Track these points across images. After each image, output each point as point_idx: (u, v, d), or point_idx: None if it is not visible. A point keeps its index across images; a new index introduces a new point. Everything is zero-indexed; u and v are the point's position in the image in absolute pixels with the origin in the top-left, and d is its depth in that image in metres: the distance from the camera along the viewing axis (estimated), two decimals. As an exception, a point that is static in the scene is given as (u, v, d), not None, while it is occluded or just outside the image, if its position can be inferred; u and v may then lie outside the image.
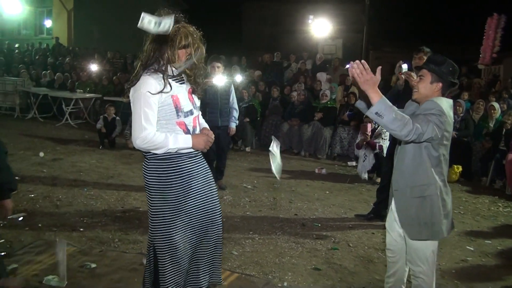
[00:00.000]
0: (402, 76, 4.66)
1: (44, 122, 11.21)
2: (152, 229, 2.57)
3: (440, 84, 2.75)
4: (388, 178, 5.07)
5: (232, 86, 6.16)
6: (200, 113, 2.82)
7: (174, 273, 2.56)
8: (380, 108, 2.48)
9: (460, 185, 7.09)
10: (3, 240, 4.06)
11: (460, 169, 7.22)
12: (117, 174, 6.68)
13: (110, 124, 8.56)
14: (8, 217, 4.44)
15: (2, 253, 3.72)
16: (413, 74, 4.58)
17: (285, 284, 3.50)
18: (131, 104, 2.53)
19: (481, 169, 7.35)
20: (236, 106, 6.07)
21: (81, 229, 4.44)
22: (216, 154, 6.01)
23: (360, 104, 2.89)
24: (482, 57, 11.91)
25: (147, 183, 2.59)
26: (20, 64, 14.11)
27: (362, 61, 2.54)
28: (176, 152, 2.54)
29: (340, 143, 8.67)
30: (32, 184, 5.87)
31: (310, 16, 24.19)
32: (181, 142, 2.53)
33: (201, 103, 5.93)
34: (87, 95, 11.62)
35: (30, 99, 11.72)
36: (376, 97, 2.49)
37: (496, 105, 7.61)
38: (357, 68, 2.50)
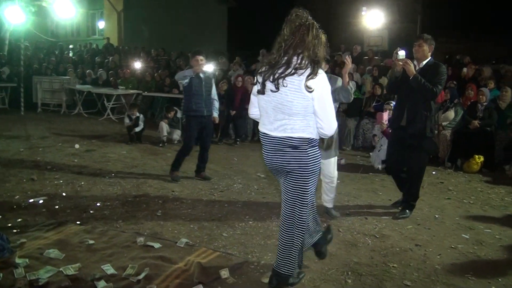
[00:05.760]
0: (400, 63, 4.67)
1: (88, 118, 11.96)
2: (304, 201, 3.07)
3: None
4: (391, 163, 5.17)
5: (213, 79, 6.46)
6: None
7: None
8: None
9: (481, 176, 6.92)
10: (20, 219, 4.53)
11: (482, 159, 7.04)
12: (142, 164, 7.11)
13: (134, 122, 9.03)
14: (30, 200, 4.99)
15: (15, 230, 4.19)
16: (410, 61, 4.62)
17: (262, 262, 3.70)
18: (319, 95, 2.85)
19: (505, 158, 7.13)
20: (216, 97, 6.40)
21: (91, 211, 4.84)
22: (202, 144, 6.37)
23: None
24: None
25: (307, 168, 3.00)
26: (69, 64, 15.06)
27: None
28: None
29: (363, 135, 8.73)
30: (60, 172, 6.39)
31: (364, 8, 23.92)
32: None
33: (187, 94, 6.24)
34: (130, 91, 12.25)
35: (75, 96, 12.53)
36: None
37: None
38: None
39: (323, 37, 2.92)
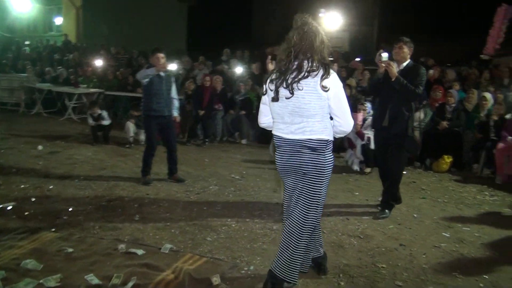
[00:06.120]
0: (382, 64, 4.69)
1: (48, 117, 11.48)
2: (316, 205, 3.04)
3: None
4: (380, 165, 5.20)
5: (173, 77, 6.27)
6: None
7: None
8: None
9: (450, 175, 7.09)
10: (-11, 228, 4.24)
11: (451, 159, 7.22)
12: (110, 166, 6.85)
13: (99, 119, 8.71)
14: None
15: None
16: (392, 63, 4.65)
17: (251, 267, 3.60)
18: (335, 93, 2.92)
19: (473, 158, 7.33)
20: (176, 96, 6.21)
21: (65, 217, 4.60)
22: (167, 145, 6.19)
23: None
24: (486, 47, 11.82)
25: (323, 170, 2.99)
26: (27, 61, 14.41)
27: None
28: None
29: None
30: (26, 175, 6.06)
31: (322, 10, 24.10)
32: None
33: (147, 94, 5.87)
34: (90, 90, 11.85)
35: (35, 94, 11.99)
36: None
37: (488, 95, 7.57)
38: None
39: (326, 41, 2.98)
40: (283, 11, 30.55)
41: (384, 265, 3.76)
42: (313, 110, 2.91)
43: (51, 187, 5.60)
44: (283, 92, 2.95)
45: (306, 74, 2.88)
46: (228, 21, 24.70)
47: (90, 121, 8.67)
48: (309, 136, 2.95)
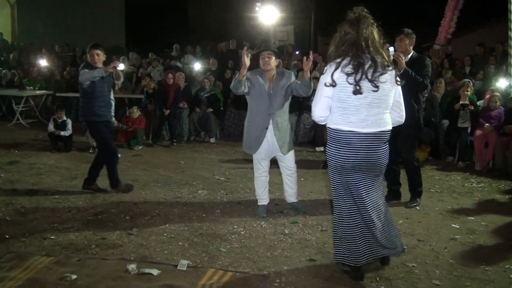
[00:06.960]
0: (391, 57, 4.58)
1: (-7, 124, 10.53)
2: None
3: (279, 60, 4.92)
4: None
5: (111, 76, 5.74)
6: None
7: None
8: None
9: (430, 165, 7.15)
10: (-34, 256, 3.67)
11: (428, 149, 7.30)
12: (80, 175, 6.24)
13: (61, 127, 7.98)
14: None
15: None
16: (402, 55, 4.55)
17: (283, 278, 3.33)
18: (400, 87, 3.20)
19: (448, 147, 7.43)
20: (113, 97, 5.64)
21: (53, 237, 4.08)
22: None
23: None
24: (438, 37, 12.19)
25: (388, 160, 3.25)
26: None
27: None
28: None
29: (303, 129, 8.75)
30: (-10, 191, 5.41)
31: (258, 4, 23.88)
32: None
33: (89, 97, 5.34)
34: (38, 92, 11.00)
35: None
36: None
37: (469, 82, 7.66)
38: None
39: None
40: (219, 3, 30.04)
41: (414, 264, 3.62)
42: (390, 101, 3.10)
43: (23, 203, 5.01)
44: (367, 85, 2.99)
45: (383, 68, 3.00)
46: (164, 14, 23.94)
47: (50, 127, 7.93)
48: (383, 128, 3.09)
